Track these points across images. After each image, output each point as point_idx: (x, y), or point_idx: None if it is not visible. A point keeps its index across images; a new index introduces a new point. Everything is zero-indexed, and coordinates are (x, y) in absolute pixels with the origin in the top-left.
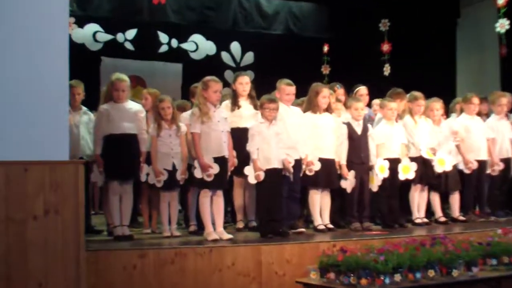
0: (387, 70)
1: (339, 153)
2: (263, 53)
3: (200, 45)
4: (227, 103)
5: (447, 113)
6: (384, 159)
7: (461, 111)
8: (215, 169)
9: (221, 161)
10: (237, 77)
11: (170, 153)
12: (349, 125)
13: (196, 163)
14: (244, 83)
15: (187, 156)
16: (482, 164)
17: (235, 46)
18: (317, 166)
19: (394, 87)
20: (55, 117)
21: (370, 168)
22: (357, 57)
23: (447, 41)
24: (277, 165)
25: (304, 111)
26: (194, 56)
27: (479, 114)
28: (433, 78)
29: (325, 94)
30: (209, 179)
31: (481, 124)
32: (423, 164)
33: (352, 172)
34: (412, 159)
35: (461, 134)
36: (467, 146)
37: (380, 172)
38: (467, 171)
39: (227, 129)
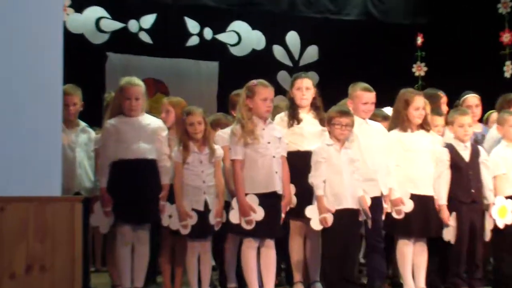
0: (508, 70)
1: (438, 188)
2: (331, 47)
3: (243, 37)
4: (282, 116)
5: None
6: (506, 197)
7: None
8: (259, 214)
9: (272, 199)
10: (295, 81)
11: (201, 187)
12: (452, 148)
13: (234, 202)
14: (305, 88)
15: (225, 191)
16: None
17: (292, 38)
18: (408, 206)
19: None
20: (42, 136)
21: (485, 209)
22: (464, 51)
23: None
24: (351, 204)
25: (390, 129)
26: (235, 51)
27: None
28: None
29: (418, 104)
30: (249, 227)
31: None
32: None
33: (455, 215)
34: None
35: None
36: None
37: (499, 216)
38: None
39: (281, 153)
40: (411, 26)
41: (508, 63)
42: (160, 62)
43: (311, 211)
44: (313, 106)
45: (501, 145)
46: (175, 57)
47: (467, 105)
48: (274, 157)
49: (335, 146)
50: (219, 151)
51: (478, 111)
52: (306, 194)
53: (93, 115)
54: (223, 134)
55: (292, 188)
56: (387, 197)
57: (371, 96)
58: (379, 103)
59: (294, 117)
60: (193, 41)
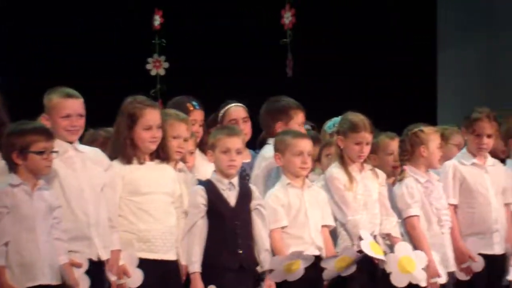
0: (290, 66)
1: (187, 248)
2: None
3: None
4: None
5: None
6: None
7: None
8: None
9: None
10: None
11: None
12: (210, 186)
13: None
14: None
15: None
16: None
17: None
18: (135, 278)
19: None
20: None
21: (260, 279)
22: (227, 37)
23: None
24: (49, 279)
25: (110, 158)
26: None
27: None
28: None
29: (149, 121)
30: None
31: None
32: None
33: None
34: None
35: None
36: None
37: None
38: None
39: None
40: None
41: (290, 56)
42: None
43: None
44: None
45: (281, 183)
46: None
47: (231, 119)
48: None
49: (24, 186)
50: None
51: (247, 127)
52: None
53: None
54: None
55: None
56: (111, 264)
57: (75, 105)
58: (95, 121)
59: None
60: None
